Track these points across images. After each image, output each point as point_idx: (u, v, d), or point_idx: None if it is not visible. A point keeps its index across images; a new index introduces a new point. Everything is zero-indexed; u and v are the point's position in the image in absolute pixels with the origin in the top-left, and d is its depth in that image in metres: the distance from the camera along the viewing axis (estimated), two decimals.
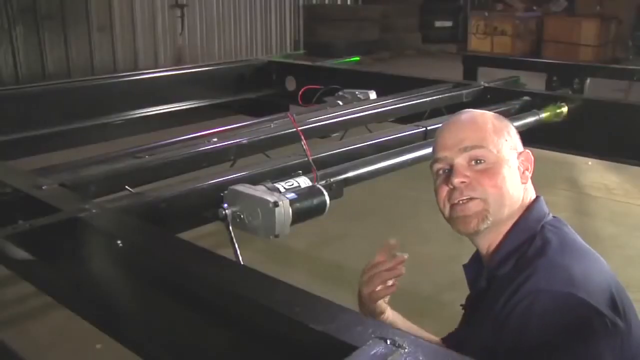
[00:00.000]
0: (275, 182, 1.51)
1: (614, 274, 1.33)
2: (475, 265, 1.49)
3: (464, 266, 1.54)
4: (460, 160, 1.38)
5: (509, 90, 2.98)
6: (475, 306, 1.43)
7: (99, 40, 8.91)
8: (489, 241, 1.40)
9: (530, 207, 1.41)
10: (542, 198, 1.45)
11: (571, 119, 2.67)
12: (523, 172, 1.42)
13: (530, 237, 1.35)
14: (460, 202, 1.37)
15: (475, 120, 1.44)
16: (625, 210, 4.71)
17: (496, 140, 1.39)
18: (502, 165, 1.37)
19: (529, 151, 1.45)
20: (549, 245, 1.31)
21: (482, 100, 2.87)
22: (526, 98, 2.80)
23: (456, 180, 1.36)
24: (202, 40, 10.27)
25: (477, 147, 1.37)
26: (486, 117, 1.45)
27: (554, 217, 1.43)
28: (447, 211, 1.40)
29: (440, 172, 1.42)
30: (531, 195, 1.44)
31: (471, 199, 1.36)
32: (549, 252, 1.29)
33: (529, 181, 1.44)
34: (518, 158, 1.42)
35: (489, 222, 1.36)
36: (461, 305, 1.53)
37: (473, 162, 1.37)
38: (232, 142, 2.07)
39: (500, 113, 2.56)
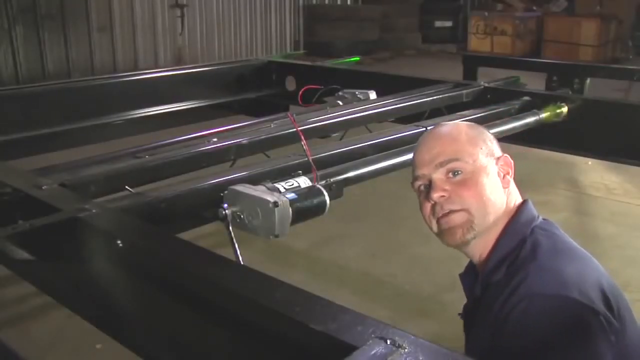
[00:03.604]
0: (275, 182, 1.51)
1: (607, 274, 1.33)
2: (471, 274, 1.50)
3: (460, 275, 1.54)
4: (437, 175, 1.39)
5: (509, 90, 2.98)
6: (473, 314, 1.43)
7: (99, 41, 8.90)
8: (480, 250, 1.41)
9: (519, 211, 1.41)
10: (529, 201, 1.45)
11: (571, 119, 2.67)
12: (503, 177, 1.42)
13: (520, 241, 1.35)
14: (444, 215, 1.38)
15: (448, 133, 1.45)
16: (625, 210, 4.71)
17: (471, 150, 1.39)
18: (480, 174, 1.38)
19: (507, 155, 1.45)
20: (540, 248, 1.31)
21: (482, 101, 2.87)
22: (526, 98, 2.80)
23: (435, 195, 1.38)
24: (202, 40, 10.27)
25: (452, 160, 1.38)
26: (459, 128, 1.46)
27: (543, 219, 1.42)
28: (434, 226, 1.41)
29: (422, 188, 1.43)
30: (516, 199, 1.44)
31: (452, 211, 1.37)
32: (540, 256, 1.30)
33: (512, 185, 1.44)
34: (497, 164, 1.42)
35: (474, 232, 1.37)
36: (459, 314, 1.53)
37: (451, 175, 1.38)
38: (232, 142, 2.07)
39: (500, 113, 2.60)
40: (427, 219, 1.42)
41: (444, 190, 1.37)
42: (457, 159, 1.38)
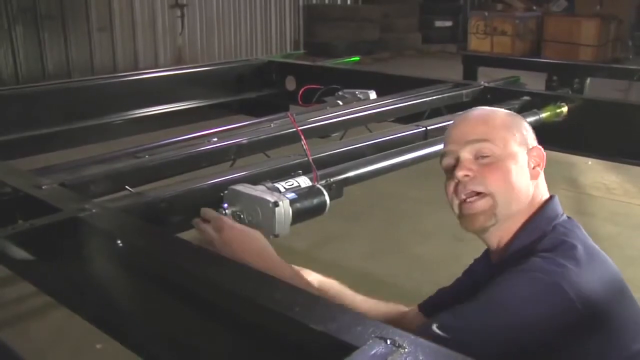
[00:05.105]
0: (275, 182, 1.51)
1: (622, 281, 1.32)
2: (484, 261, 1.49)
3: (475, 260, 1.54)
4: (465, 154, 1.37)
5: (509, 90, 2.98)
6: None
7: (99, 41, 8.91)
8: (498, 238, 1.40)
9: (544, 207, 1.40)
10: (556, 198, 1.43)
11: (571, 119, 2.67)
12: (533, 168, 1.40)
13: (540, 237, 1.34)
14: (468, 200, 1.36)
15: (483, 115, 1.44)
16: (625, 210, 4.71)
17: (503, 135, 1.38)
18: (509, 160, 1.36)
19: (540, 147, 1.43)
20: (556, 247, 1.29)
21: (482, 100, 2.86)
22: (526, 98, 2.80)
23: (460, 174, 1.36)
24: (202, 40, 10.27)
25: (482, 140, 1.36)
26: (497, 112, 1.46)
27: (567, 217, 1.41)
28: (456, 208, 1.40)
29: (448, 165, 1.42)
30: (543, 193, 1.42)
31: (478, 195, 1.35)
32: (552, 252, 1.28)
33: (541, 179, 1.42)
34: (529, 154, 1.40)
35: (496, 218, 1.35)
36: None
37: (480, 157, 1.36)
38: (232, 142, 2.07)
39: None
40: (450, 198, 1.41)
41: (470, 169, 1.36)
42: (487, 140, 1.36)
